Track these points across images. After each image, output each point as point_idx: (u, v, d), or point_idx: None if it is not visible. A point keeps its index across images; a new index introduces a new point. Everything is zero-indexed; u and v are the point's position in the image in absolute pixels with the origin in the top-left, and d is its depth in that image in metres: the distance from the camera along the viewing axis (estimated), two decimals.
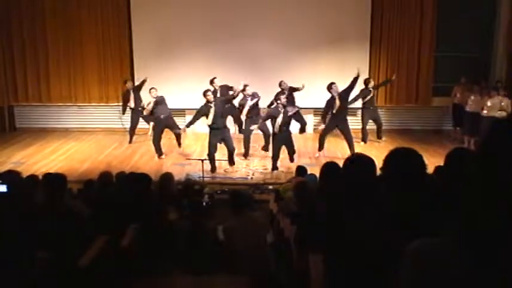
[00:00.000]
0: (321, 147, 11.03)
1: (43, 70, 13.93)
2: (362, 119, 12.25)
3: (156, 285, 4.13)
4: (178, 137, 11.23)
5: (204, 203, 6.61)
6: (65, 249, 3.53)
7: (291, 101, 10.98)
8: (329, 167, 4.63)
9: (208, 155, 9.83)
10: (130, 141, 12.41)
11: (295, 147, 10.16)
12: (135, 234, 4.33)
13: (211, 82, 11.26)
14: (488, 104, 11.01)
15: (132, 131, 12.38)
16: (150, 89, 11.06)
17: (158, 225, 4.81)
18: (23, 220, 3.73)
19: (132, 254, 4.19)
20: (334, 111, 10.62)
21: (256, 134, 10.95)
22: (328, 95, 10.70)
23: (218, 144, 9.99)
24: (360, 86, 11.49)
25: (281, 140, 9.85)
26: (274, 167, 10.00)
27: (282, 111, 9.65)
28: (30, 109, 14.33)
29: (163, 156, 10.95)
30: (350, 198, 2.96)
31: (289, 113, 9.76)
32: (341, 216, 2.89)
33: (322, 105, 11.50)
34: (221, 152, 10.17)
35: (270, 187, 8.84)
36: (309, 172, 8.17)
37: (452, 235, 1.38)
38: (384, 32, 13.39)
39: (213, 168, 9.82)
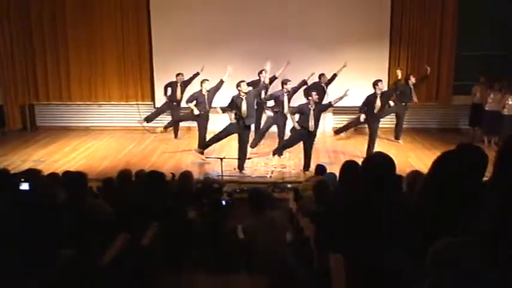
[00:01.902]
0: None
1: (64, 69, 14.09)
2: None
3: (176, 284, 4.14)
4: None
5: (224, 202, 6.61)
6: (86, 247, 3.55)
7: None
8: (349, 166, 4.61)
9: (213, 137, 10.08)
10: (176, 136, 12.64)
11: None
12: (155, 233, 4.34)
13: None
14: (510, 102, 10.86)
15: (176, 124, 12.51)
16: (203, 81, 10.95)
17: (178, 223, 4.83)
18: (45, 218, 3.76)
19: (153, 252, 4.20)
20: (375, 111, 10.50)
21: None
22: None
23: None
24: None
25: (301, 137, 9.80)
26: (279, 151, 10.13)
27: (312, 108, 9.53)
28: (50, 108, 14.50)
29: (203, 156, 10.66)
30: (370, 195, 2.94)
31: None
32: (361, 214, 2.87)
33: (342, 104, 11.46)
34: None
35: (289, 186, 8.82)
36: (328, 171, 8.14)
37: (475, 235, 1.36)
38: (404, 30, 13.28)
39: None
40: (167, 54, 13.47)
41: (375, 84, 10.45)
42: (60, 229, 3.62)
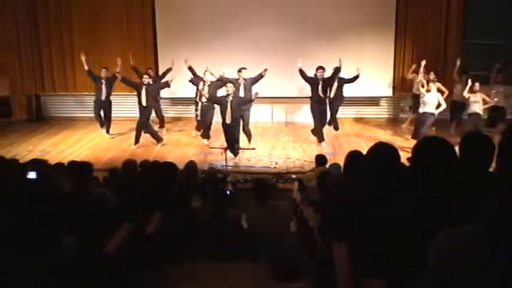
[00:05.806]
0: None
1: (69, 60, 14.10)
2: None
3: (180, 272, 4.15)
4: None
5: (228, 192, 6.62)
6: (90, 236, 3.56)
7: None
8: (353, 156, 4.60)
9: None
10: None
11: (238, 141, 10.14)
12: (159, 222, 4.36)
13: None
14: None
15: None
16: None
17: (182, 213, 4.84)
18: (51, 207, 3.77)
19: (157, 241, 4.22)
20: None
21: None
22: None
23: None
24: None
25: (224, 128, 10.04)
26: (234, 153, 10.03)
27: (230, 100, 9.67)
28: (56, 98, 14.53)
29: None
30: (376, 185, 2.93)
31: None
32: (368, 204, 2.87)
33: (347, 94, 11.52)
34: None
35: (294, 176, 8.82)
36: (329, 161, 8.14)
37: (481, 225, 1.34)
38: (410, 18, 13.13)
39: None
40: (172, 45, 13.41)
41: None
42: (65, 218, 3.63)
